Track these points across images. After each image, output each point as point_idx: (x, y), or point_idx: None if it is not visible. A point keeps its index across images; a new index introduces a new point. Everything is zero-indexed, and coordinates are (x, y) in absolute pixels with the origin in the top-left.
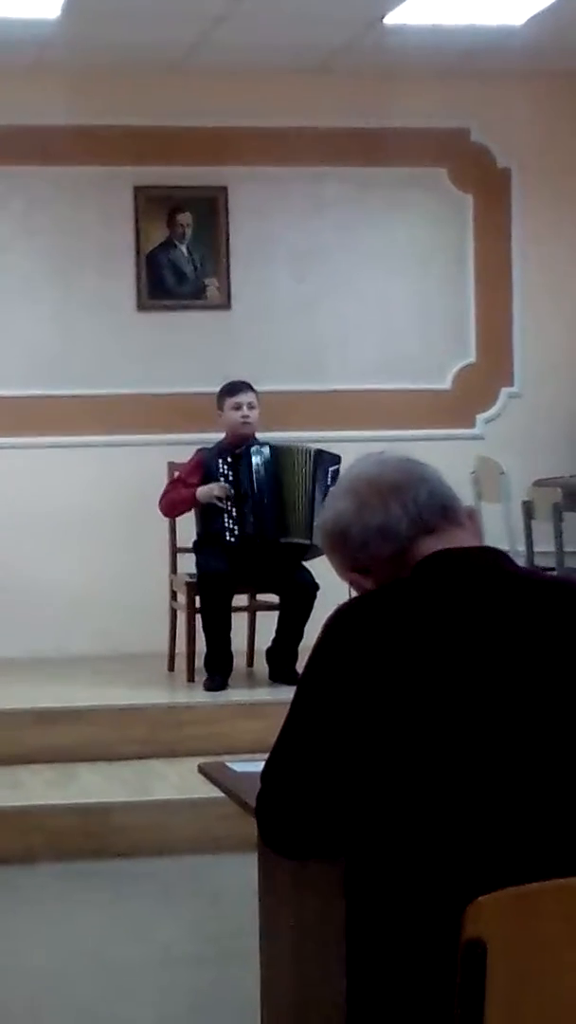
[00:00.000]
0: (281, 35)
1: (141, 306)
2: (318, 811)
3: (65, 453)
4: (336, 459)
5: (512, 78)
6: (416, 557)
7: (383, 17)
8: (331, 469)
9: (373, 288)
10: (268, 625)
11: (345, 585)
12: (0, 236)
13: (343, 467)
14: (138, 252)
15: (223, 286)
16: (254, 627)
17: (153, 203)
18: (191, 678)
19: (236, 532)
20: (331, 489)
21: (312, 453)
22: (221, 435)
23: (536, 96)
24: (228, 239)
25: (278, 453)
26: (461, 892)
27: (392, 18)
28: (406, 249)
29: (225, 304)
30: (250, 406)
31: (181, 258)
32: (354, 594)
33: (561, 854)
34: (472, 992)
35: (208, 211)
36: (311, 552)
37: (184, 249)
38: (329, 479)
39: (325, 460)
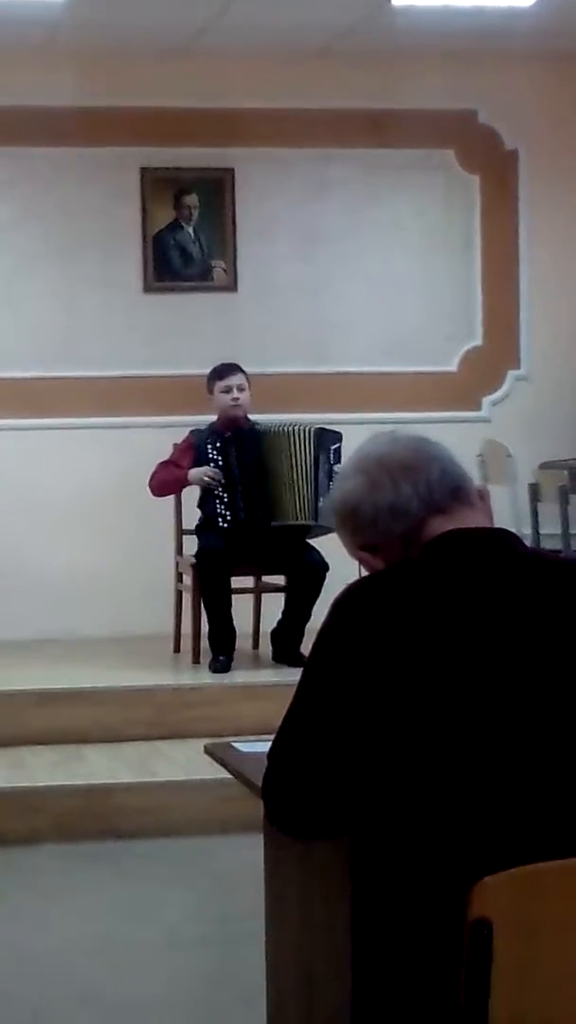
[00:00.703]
0: (288, 17)
1: (147, 288)
2: (324, 790)
3: (71, 435)
4: (338, 436)
5: (520, 60)
6: (426, 537)
7: None
8: (333, 447)
9: (380, 270)
10: (274, 607)
11: (355, 564)
12: (7, 217)
13: (348, 447)
14: (144, 234)
15: (229, 268)
16: (259, 609)
17: (160, 184)
18: (196, 659)
19: (228, 517)
20: (340, 467)
21: (312, 432)
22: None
23: (544, 78)
24: (235, 221)
25: (270, 436)
26: (467, 872)
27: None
28: (413, 231)
29: (231, 286)
30: (239, 388)
31: (187, 240)
32: (364, 573)
33: (568, 834)
34: (478, 972)
35: (215, 193)
36: (314, 531)
37: (191, 231)
38: (332, 457)
39: (327, 438)
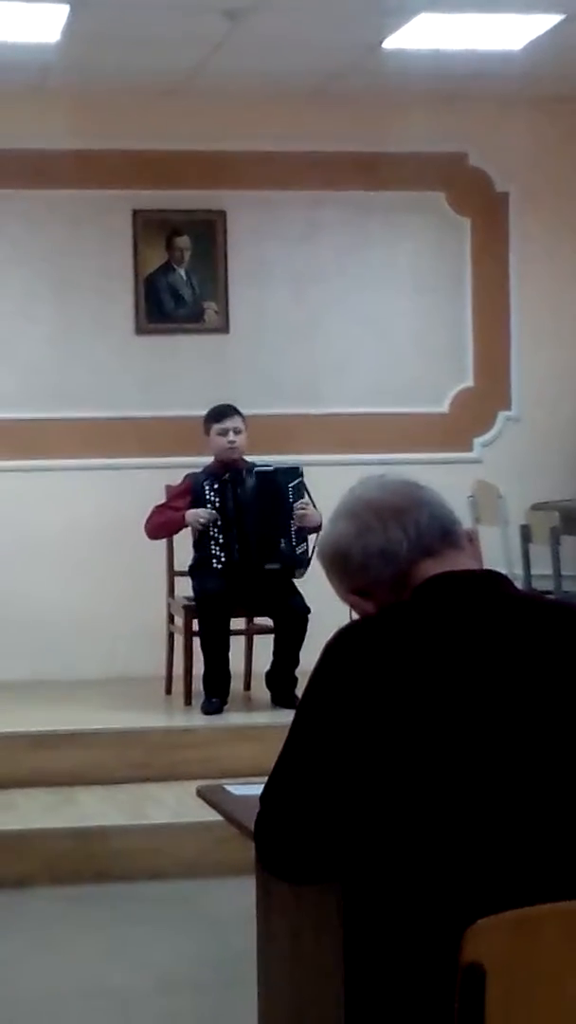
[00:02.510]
0: (280, 60)
1: (139, 329)
2: (317, 834)
3: (62, 476)
4: (293, 474)
5: (510, 103)
6: (416, 580)
7: (382, 42)
8: (291, 485)
9: (371, 312)
10: (265, 648)
11: (340, 608)
12: None
13: (340, 488)
14: (136, 275)
15: (221, 310)
16: (251, 650)
17: (152, 227)
18: (188, 701)
19: (223, 559)
20: (303, 503)
21: (269, 475)
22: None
23: (534, 121)
24: (226, 263)
25: (261, 479)
26: (460, 916)
27: (391, 43)
28: (404, 273)
29: (223, 328)
30: (236, 431)
31: (179, 282)
32: (355, 616)
33: (560, 877)
34: (471, 1017)
35: (207, 235)
36: (296, 572)
37: (182, 273)
38: (291, 495)
39: (280, 478)
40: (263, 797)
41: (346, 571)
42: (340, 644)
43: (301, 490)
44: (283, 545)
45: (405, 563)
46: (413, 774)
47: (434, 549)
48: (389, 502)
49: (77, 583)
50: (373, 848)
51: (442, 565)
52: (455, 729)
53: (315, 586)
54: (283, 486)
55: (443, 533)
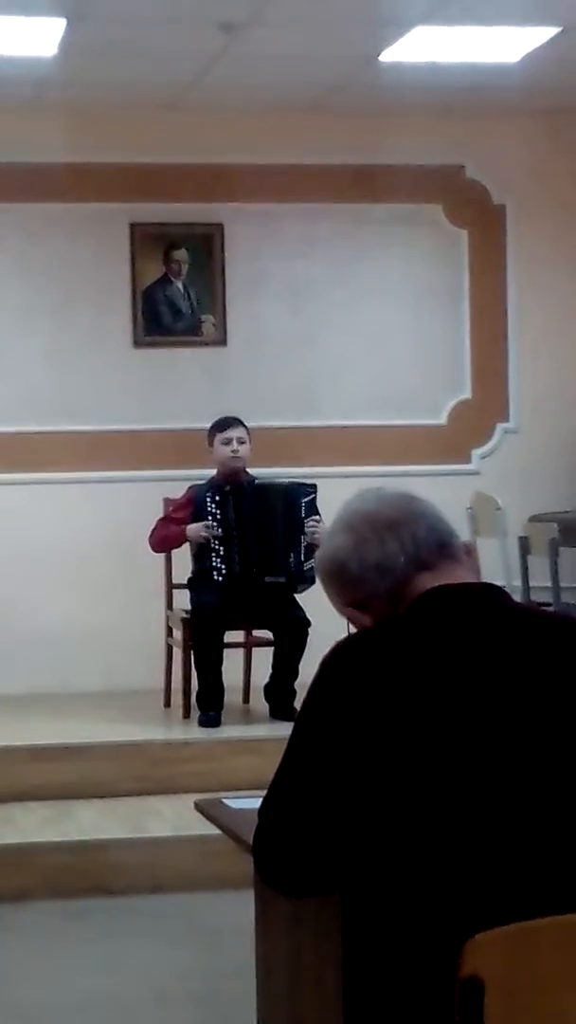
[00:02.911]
0: (277, 73)
1: (137, 342)
2: (315, 848)
3: (61, 489)
4: (309, 489)
5: (507, 115)
6: (413, 593)
7: (379, 55)
8: (305, 501)
9: (368, 324)
10: (264, 661)
11: (339, 621)
12: None
13: (337, 501)
14: (134, 289)
15: (219, 322)
16: (250, 663)
17: (149, 240)
18: (187, 714)
19: (224, 571)
20: (315, 520)
21: (283, 489)
22: (214, 471)
23: (531, 133)
24: (224, 276)
25: (261, 491)
26: (458, 929)
27: (388, 56)
28: (401, 285)
29: (221, 340)
30: (239, 441)
31: (177, 295)
32: (352, 630)
33: (558, 891)
34: None
35: (204, 248)
36: (299, 587)
37: (180, 286)
38: (304, 511)
39: (296, 493)
40: (261, 811)
41: (343, 584)
42: (336, 659)
43: (314, 505)
44: (292, 559)
45: (402, 576)
46: (411, 787)
47: (431, 562)
48: (385, 515)
49: (76, 596)
50: (372, 861)
51: (439, 578)
52: (452, 742)
53: (315, 599)
54: (297, 500)
55: (440, 546)
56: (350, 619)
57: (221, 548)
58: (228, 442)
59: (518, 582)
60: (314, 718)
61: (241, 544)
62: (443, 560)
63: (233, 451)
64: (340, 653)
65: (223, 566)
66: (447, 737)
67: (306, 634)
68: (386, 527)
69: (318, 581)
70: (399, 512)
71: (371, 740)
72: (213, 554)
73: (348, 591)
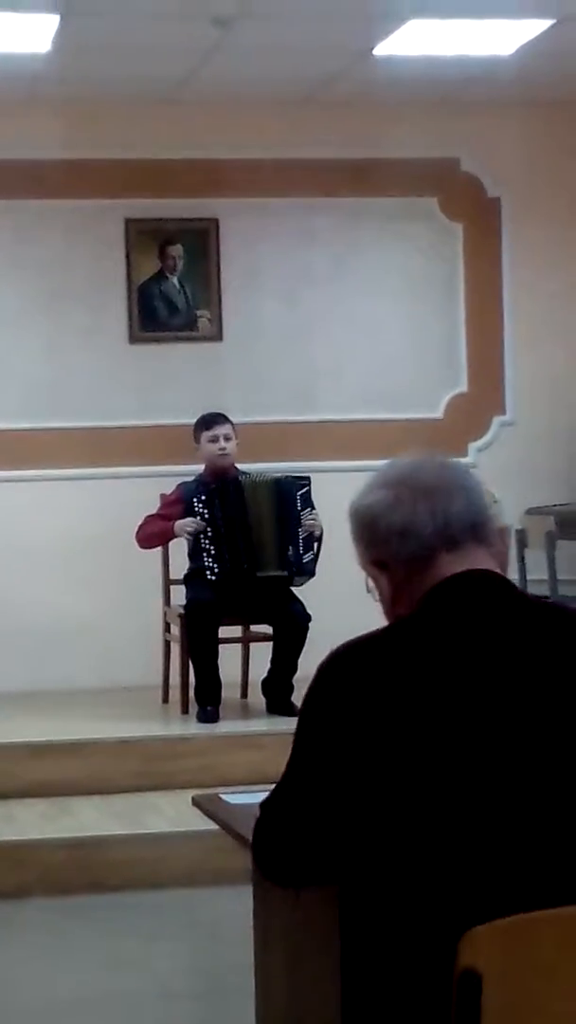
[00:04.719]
0: (272, 67)
1: (133, 338)
2: (314, 839)
3: (57, 486)
4: (302, 482)
5: (501, 108)
6: (430, 576)
7: (373, 48)
8: (300, 494)
9: (364, 318)
10: (262, 656)
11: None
12: None
13: (334, 496)
14: (129, 284)
15: (215, 318)
16: (248, 658)
17: (144, 235)
18: (185, 710)
19: (217, 570)
20: (312, 512)
21: (274, 483)
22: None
23: (525, 125)
24: (219, 271)
25: (249, 487)
26: (456, 922)
27: (382, 49)
28: (397, 279)
29: (217, 336)
30: (226, 438)
31: (172, 290)
32: (371, 586)
33: (557, 883)
34: (468, 1023)
35: (199, 243)
36: (298, 580)
37: (175, 281)
38: (299, 504)
39: (288, 487)
40: (263, 804)
41: (369, 540)
42: (333, 666)
43: (309, 498)
44: (291, 553)
45: (427, 546)
46: (409, 781)
47: (458, 539)
48: (424, 480)
49: (73, 592)
50: (371, 856)
51: (461, 562)
52: (449, 736)
53: (315, 594)
54: (291, 494)
55: (472, 525)
56: (369, 576)
57: (212, 547)
58: (215, 439)
59: (515, 575)
60: (313, 722)
61: (231, 541)
62: (471, 541)
63: (221, 448)
64: (336, 660)
65: (215, 565)
66: (445, 731)
67: (306, 628)
68: (421, 492)
69: (320, 576)
70: (440, 481)
71: (370, 733)
72: (204, 553)
73: (372, 548)
